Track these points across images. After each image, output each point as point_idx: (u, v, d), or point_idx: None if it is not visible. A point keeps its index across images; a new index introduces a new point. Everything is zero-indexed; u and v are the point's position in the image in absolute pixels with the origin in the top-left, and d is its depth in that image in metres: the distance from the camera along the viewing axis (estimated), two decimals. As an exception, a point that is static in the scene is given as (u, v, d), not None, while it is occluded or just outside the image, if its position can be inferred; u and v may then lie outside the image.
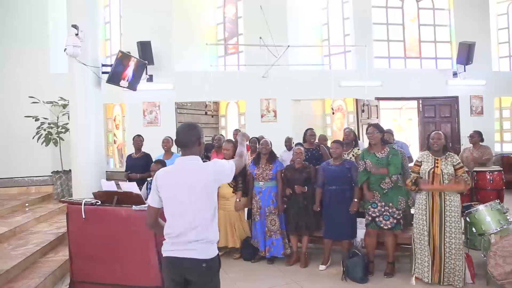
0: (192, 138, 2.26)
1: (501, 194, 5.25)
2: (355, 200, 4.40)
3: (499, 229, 3.99)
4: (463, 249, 3.90)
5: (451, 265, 3.87)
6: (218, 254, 2.25)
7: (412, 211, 4.39)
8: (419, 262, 4.03)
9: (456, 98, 9.65)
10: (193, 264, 2.14)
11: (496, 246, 3.69)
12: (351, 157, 5.20)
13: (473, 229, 4.24)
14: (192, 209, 2.16)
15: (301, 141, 6.04)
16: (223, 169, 2.29)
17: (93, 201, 3.71)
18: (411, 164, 4.43)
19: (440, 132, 4.08)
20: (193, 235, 2.14)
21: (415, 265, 4.08)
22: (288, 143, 6.19)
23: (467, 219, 4.28)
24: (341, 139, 5.19)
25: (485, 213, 4.14)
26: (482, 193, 5.27)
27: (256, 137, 6.44)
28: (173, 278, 2.20)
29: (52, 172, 7.91)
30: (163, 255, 2.24)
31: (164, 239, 2.24)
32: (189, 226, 2.15)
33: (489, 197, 4.95)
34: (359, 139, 7.65)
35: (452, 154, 4.03)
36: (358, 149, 5.35)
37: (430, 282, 3.94)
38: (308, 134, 5.76)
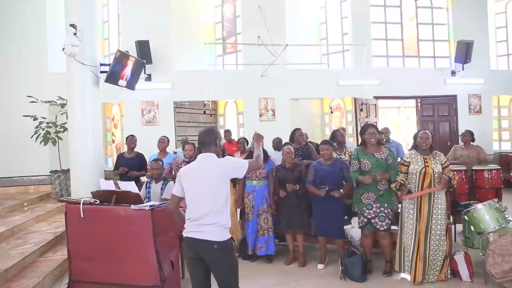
0: (210, 139, 2.70)
1: (499, 193, 5.25)
2: (341, 190, 4.32)
3: (497, 228, 3.99)
4: (447, 246, 3.97)
5: (433, 262, 3.95)
6: (230, 237, 2.64)
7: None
8: (406, 260, 4.06)
9: (455, 96, 9.66)
10: (206, 244, 2.53)
11: (495, 244, 3.69)
12: (347, 158, 5.19)
13: (472, 227, 4.25)
14: (207, 197, 2.58)
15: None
16: (235, 165, 2.70)
17: (91, 201, 3.70)
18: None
19: (427, 131, 4.11)
20: (207, 220, 2.55)
21: (399, 262, 4.13)
22: (276, 143, 6.14)
23: (466, 217, 4.30)
24: (331, 140, 5.15)
25: (484, 211, 4.15)
26: (480, 191, 5.27)
27: (244, 138, 6.47)
28: (190, 256, 2.63)
29: (50, 172, 7.89)
30: (184, 236, 2.65)
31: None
32: (204, 212, 2.56)
33: (487, 196, 4.95)
34: (357, 139, 7.71)
35: (439, 152, 4.08)
36: (350, 148, 5.36)
37: (412, 280, 4.00)
38: (297, 134, 5.73)
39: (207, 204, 2.56)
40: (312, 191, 4.53)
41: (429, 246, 3.94)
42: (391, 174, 4.12)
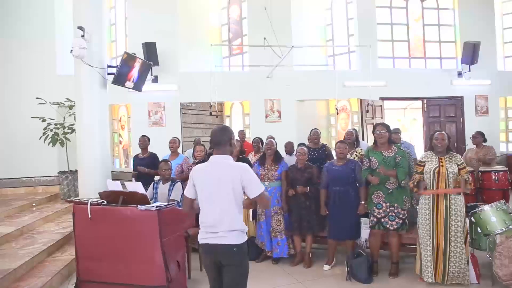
0: (224, 138, 2.56)
1: (506, 194, 5.23)
2: (362, 202, 4.36)
3: (504, 230, 3.97)
4: (467, 248, 3.90)
5: (457, 265, 3.87)
6: (246, 240, 2.57)
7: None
8: (424, 263, 4.00)
9: (461, 98, 9.61)
10: (225, 249, 2.47)
11: (502, 246, 3.67)
12: (354, 157, 5.19)
13: (478, 229, 4.21)
14: (221, 201, 2.48)
15: (304, 140, 6.03)
16: (252, 181, 2.51)
17: (99, 201, 3.74)
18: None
19: (443, 132, 4.06)
20: (223, 226, 2.47)
21: (419, 265, 4.07)
22: (288, 148, 6.07)
23: (472, 219, 4.27)
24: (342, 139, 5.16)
25: (490, 213, 4.12)
26: (487, 193, 5.25)
27: (259, 137, 6.45)
28: (209, 263, 2.58)
29: (58, 172, 7.97)
30: (200, 243, 2.59)
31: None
32: (219, 217, 2.47)
33: (494, 197, 4.92)
34: (362, 139, 7.65)
35: (455, 154, 4.03)
36: (361, 150, 5.34)
37: (433, 281, 3.93)
38: (312, 134, 5.76)
39: (222, 209, 2.47)
40: (322, 199, 4.56)
41: (449, 251, 3.87)
42: (398, 172, 4.10)
